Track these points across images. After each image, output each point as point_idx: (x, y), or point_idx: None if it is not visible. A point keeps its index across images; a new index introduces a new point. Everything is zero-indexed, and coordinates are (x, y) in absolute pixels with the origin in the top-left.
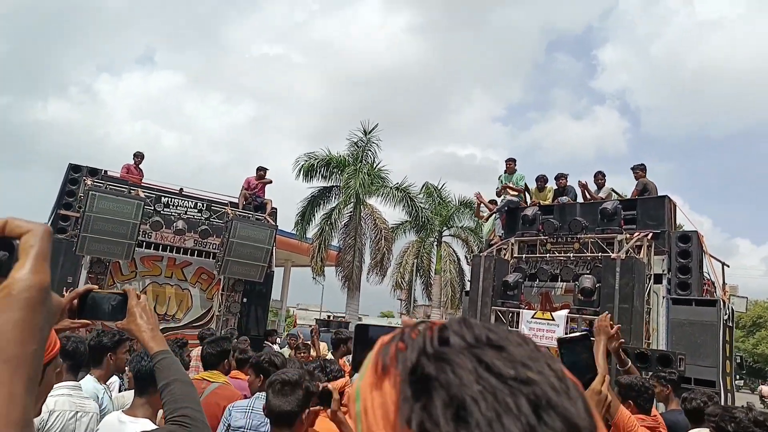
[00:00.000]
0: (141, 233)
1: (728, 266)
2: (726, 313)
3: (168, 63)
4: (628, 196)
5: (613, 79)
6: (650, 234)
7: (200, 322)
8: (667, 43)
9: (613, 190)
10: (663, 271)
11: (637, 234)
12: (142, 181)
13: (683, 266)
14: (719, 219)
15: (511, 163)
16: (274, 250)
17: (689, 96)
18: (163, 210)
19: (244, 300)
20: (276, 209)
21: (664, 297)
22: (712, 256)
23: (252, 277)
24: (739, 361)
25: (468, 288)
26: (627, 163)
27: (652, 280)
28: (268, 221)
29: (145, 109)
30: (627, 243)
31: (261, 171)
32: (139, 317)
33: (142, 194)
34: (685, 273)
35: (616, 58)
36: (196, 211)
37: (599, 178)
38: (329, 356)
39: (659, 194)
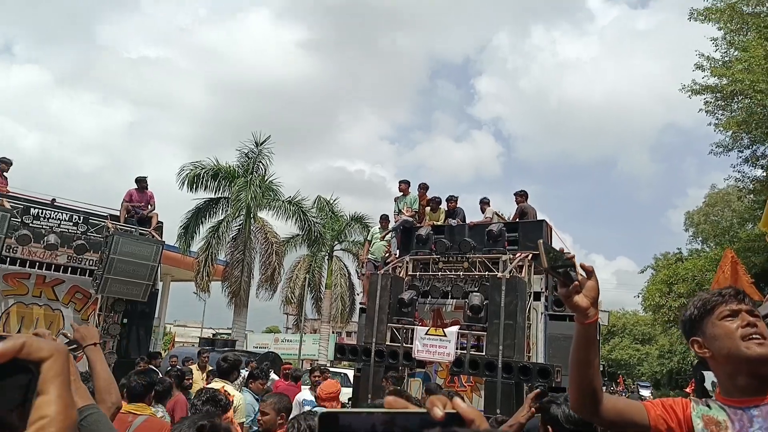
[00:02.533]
0: (6, 248)
1: None
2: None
3: (31, 57)
4: (509, 219)
5: (489, 107)
6: (530, 255)
7: (74, 345)
8: (533, 79)
9: (496, 213)
10: (541, 289)
11: (519, 255)
12: (7, 189)
13: None
14: (578, 237)
15: (405, 185)
16: (159, 268)
17: (553, 126)
18: (32, 222)
19: (125, 321)
20: (162, 223)
21: (542, 313)
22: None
23: (134, 296)
24: (601, 369)
25: (359, 303)
26: (501, 184)
27: (531, 298)
28: (154, 236)
29: (1, 105)
30: (511, 263)
31: (142, 183)
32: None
33: (7, 205)
34: None
35: (491, 89)
36: (71, 224)
37: (484, 202)
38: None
39: (538, 218)
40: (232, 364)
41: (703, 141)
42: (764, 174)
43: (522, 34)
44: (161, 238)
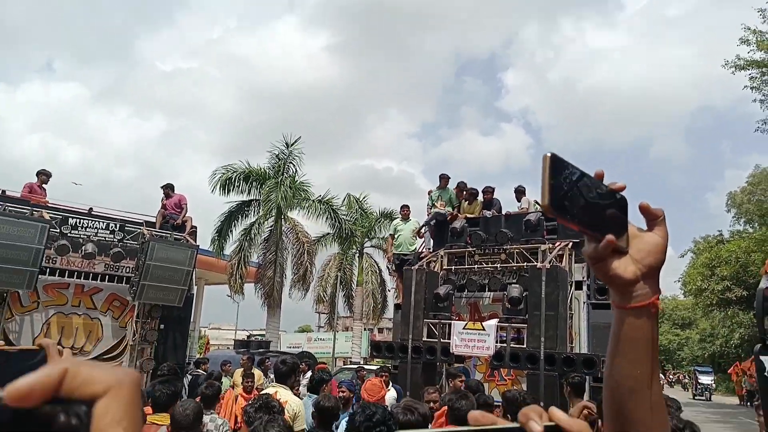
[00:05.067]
0: (45, 259)
1: None
2: None
3: (72, 75)
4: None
5: (516, 100)
6: (570, 243)
7: (112, 354)
8: (562, 70)
9: (536, 202)
10: (583, 277)
11: (558, 243)
12: (47, 201)
13: None
14: None
15: (445, 179)
16: (194, 272)
17: (583, 116)
18: (70, 232)
19: (161, 326)
20: (196, 228)
21: (584, 302)
22: None
23: (170, 301)
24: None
25: (390, 298)
26: (530, 174)
27: (573, 287)
28: (188, 241)
29: (44, 121)
30: (550, 252)
31: (166, 189)
32: None
33: (46, 216)
34: None
35: (518, 82)
36: (108, 232)
37: (519, 191)
38: (268, 387)
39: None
40: (291, 367)
41: (737, 123)
42: None
43: (550, 26)
44: (195, 242)
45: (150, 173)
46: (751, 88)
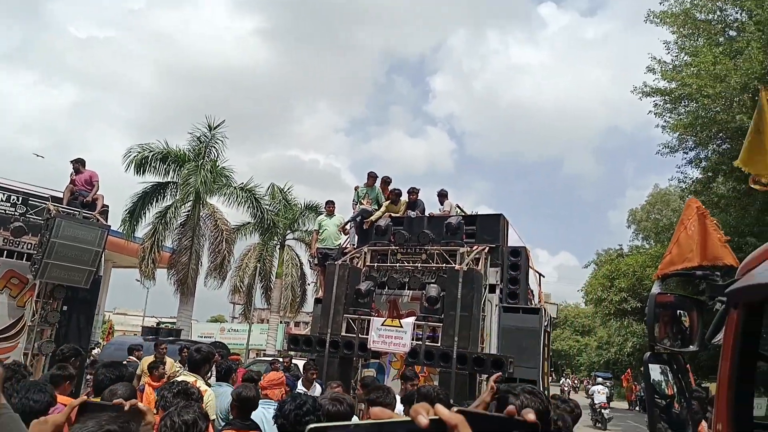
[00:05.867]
0: None
1: (544, 276)
2: (545, 320)
3: None
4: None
5: (443, 105)
6: (487, 248)
7: (8, 333)
8: (487, 80)
9: (457, 206)
10: (497, 281)
11: (476, 247)
12: None
13: (513, 278)
14: (524, 232)
15: (372, 177)
16: (103, 253)
17: (504, 126)
18: None
19: (64, 308)
20: (108, 207)
21: (496, 305)
22: (532, 268)
23: (76, 282)
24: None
25: (309, 292)
26: (454, 179)
27: (487, 290)
28: (99, 220)
29: None
30: (468, 255)
31: (76, 164)
32: None
33: None
34: (514, 284)
35: (445, 88)
36: (9, 204)
37: (442, 194)
38: (181, 376)
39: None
40: (205, 356)
41: (643, 145)
42: (701, 176)
43: (477, 36)
44: (107, 222)
45: (58, 145)
46: (655, 114)
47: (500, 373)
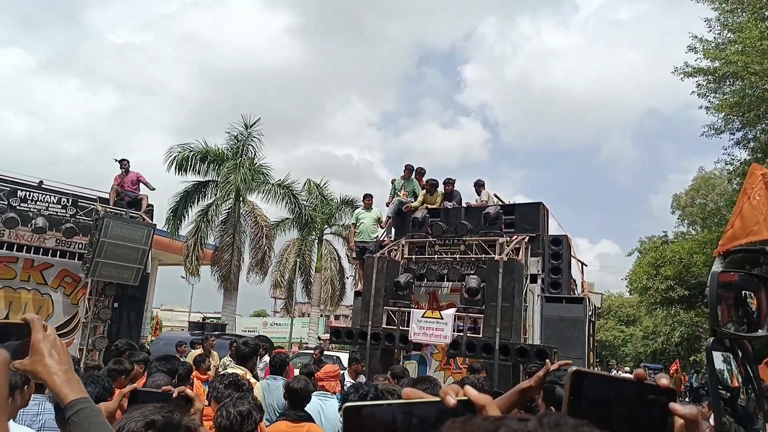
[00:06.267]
0: None
1: (587, 265)
2: (589, 309)
3: (15, 41)
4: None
5: (475, 94)
6: (527, 237)
7: (63, 330)
8: (519, 67)
9: (495, 195)
10: (538, 271)
11: (515, 237)
12: None
13: (555, 267)
14: (563, 220)
15: (408, 170)
16: (150, 251)
17: (538, 113)
18: (19, 205)
19: (115, 305)
20: (152, 206)
21: (538, 295)
22: (574, 257)
23: (125, 280)
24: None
25: (348, 286)
26: (487, 168)
27: (528, 280)
28: (144, 219)
29: None
30: (507, 246)
31: (123, 164)
32: (48, 355)
33: None
34: (556, 273)
35: (477, 76)
36: (59, 206)
37: (479, 184)
38: (229, 368)
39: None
40: (253, 349)
41: (683, 127)
42: (750, 157)
43: (508, 22)
44: (152, 221)
45: (101, 149)
46: (698, 95)
47: (552, 361)
